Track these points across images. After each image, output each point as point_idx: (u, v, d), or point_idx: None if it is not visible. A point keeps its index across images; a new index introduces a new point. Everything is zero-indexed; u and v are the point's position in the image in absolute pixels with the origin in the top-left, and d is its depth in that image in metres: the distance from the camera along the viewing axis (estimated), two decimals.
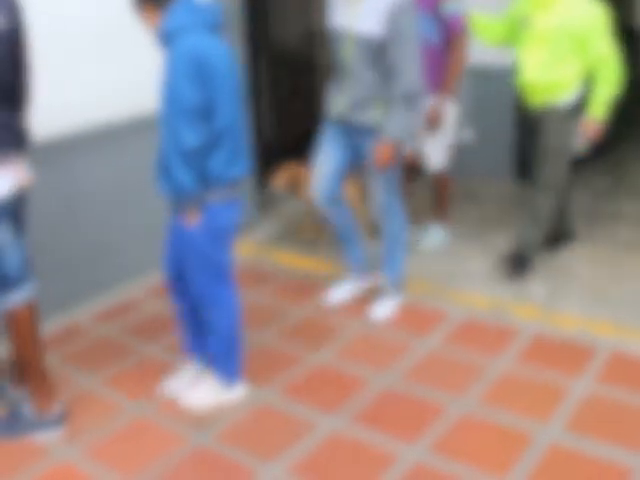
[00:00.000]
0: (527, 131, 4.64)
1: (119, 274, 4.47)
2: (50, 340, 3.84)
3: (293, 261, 4.82)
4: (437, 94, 4.56)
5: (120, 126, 4.30)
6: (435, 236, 5.03)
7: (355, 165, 3.98)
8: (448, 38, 4.49)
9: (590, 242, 4.89)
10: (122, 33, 4.10)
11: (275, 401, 3.35)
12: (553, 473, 2.79)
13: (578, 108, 4.22)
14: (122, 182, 4.38)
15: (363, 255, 4.29)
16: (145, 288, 4.48)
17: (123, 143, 4.34)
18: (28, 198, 3.08)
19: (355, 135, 3.80)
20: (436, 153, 4.82)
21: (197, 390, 3.36)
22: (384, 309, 4.05)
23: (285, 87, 6.82)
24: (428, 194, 5.31)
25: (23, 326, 3.07)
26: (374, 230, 4.71)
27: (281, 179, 4.98)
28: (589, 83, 4.17)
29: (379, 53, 3.58)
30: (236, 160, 3.04)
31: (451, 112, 4.71)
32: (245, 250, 4.97)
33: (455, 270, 4.57)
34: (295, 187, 4.95)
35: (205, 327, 3.28)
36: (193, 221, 2.99)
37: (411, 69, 3.56)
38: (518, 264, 4.39)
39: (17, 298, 3.03)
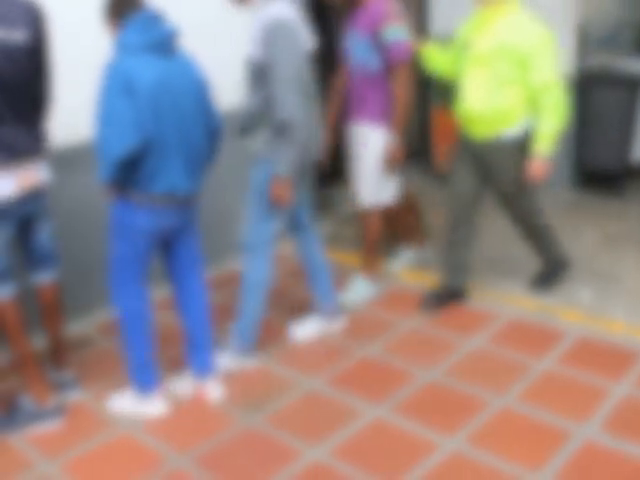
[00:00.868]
0: (458, 163, 4.19)
1: None
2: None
3: (345, 259, 4.98)
4: (387, 128, 4.13)
5: None
6: (358, 289, 4.46)
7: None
8: (390, 67, 4.04)
9: (637, 249, 4.92)
10: None
11: (323, 389, 3.53)
12: (585, 470, 2.89)
13: (525, 142, 3.89)
14: None
15: (332, 293, 4.07)
16: None
17: None
18: (41, 199, 3.31)
19: None
20: (363, 189, 4.30)
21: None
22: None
23: None
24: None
25: (11, 318, 3.28)
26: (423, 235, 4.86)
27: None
28: (534, 113, 3.85)
29: (260, 77, 3.40)
30: (157, 177, 3.10)
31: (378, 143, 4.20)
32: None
33: (505, 273, 4.66)
34: None
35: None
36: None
37: (283, 98, 3.32)
38: (558, 274, 4.43)
39: (4, 291, 3.25)
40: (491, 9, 3.80)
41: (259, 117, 3.47)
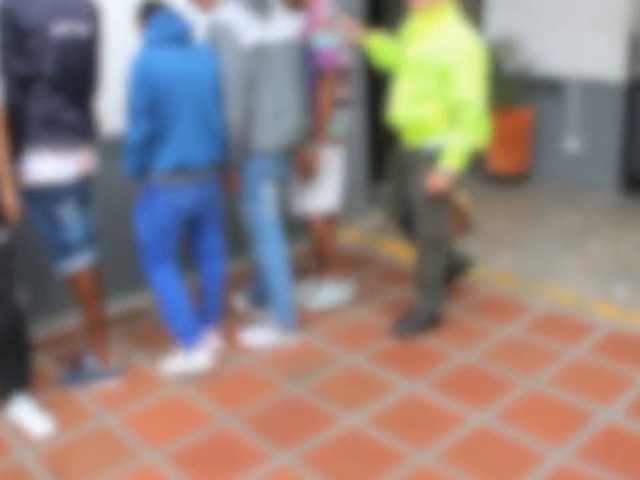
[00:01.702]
0: (393, 171, 4.10)
1: None
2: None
3: (395, 250, 5.21)
4: (311, 139, 4.04)
5: None
6: (327, 294, 4.45)
7: None
8: (318, 75, 3.94)
9: None
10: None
11: (363, 364, 3.77)
12: (605, 448, 3.07)
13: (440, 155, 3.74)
14: None
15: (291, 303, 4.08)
16: None
17: None
18: (91, 182, 3.58)
19: None
20: (314, 201, 4.24)
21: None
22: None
23: None
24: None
25: (84, 287, 3.59)
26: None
27: None
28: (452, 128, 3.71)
29: None
30: (171, 154, 3.45)
31: (333, 157, 4.19)
32: (351, 237, 5.41)
33: (544, 268, 4.83)
34: None
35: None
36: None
37: (228, 101, 3.61)
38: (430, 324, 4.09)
39: (78, 263, 3.55)
40: (424, 19, 3.69)
41: None
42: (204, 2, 3.98)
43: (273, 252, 3.95)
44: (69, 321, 4.16)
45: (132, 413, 3.45)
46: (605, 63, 6.06)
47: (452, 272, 4.40)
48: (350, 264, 4.93)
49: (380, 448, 3.13)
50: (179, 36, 3.46)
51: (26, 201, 3.35)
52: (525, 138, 6.53)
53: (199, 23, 3.76)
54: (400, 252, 5.07)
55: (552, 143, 6.57)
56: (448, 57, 3.57)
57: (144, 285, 3.95)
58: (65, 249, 3.51)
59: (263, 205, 3.90)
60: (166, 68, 3.38)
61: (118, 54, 3.70)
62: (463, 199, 5.32)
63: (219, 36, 3.60)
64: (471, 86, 3.58)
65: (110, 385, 3.65)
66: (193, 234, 3.82)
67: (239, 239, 4.35)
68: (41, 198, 3.39)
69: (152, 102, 3.37)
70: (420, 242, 3.98)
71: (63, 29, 3.26)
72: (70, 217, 3.48)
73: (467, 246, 5.18)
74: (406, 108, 3.77)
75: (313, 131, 4.01)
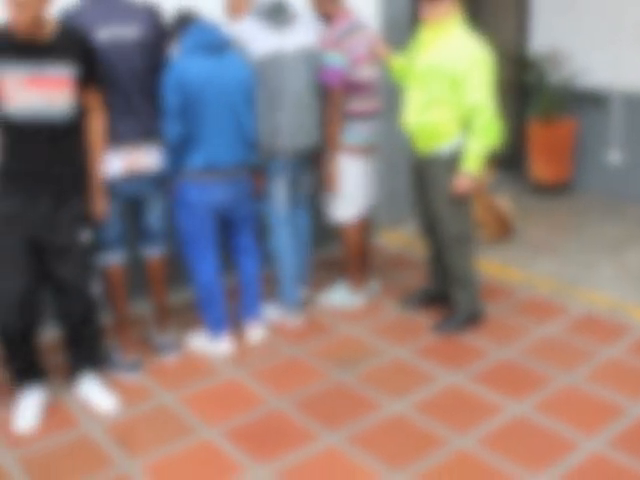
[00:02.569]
0: (412, 178, 4.32)
1: None
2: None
3: None
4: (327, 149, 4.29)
5: None
6: (337, 294, 4.70)
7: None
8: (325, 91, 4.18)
9: None
10: None
11: (407, 356, 3.98)
12: (636, 440, 3.24)
13: (456, 160, 3.93)
14: None
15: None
16: None
17: None
18: (149, 181, 3.76)
19: None
20: (339, 209, 4.46)
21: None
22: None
23: None
24: None
25: (113, 282, 3.85)
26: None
27: None
28: (466, 133, 3.90)
29: None
30: (202, 154, 3.76)
31: (352, 166, 4.35)
32: (394, 240, 5.63)
33: (583, 274, 4.99)
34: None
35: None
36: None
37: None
38: (470, 322, 4.30)
39: (111, 259, 3.82)
40: (432, 28, 3.88)
41: None
42: (234, 13, 4.24)
43: (283, 244, 4.29)
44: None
45: (189, 394, 3.69)
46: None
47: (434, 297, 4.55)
48: (392, 265, 5.15)
49: (423, 432, 3.33)
50: (213, 45, 3.73)
51: None
52: (568, 149, 6.68)
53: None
54: None
55: (595, 155, 6.71)
56: (458, 65, 3.77)
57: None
58: (101, 245, 3.75)
59: (276, 203, 4.22)
60: (198, 75, 3.66)
61: None
62: (504, 205, 5.57)
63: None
64: (482, 91, 3.79)
65: (130, 378, 3.88)
66: (228, 232, 4.12)
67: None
68: None
69: (184, 106, 3.67)
70: (445, 242, 4.16)
71: (108, 33, 3.49)
72: (110, 215, 3.68)
73: (507, 251, 5.37)
74: (417, 115, 3.97)
75: (326, 141, 4.26)
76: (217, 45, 3.75)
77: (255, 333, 4.21)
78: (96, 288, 3.63)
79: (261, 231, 4.30)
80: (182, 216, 3.92)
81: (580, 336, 4.16)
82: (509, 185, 6.85)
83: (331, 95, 4.15)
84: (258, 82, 3.90)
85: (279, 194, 4.21)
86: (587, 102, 6.58)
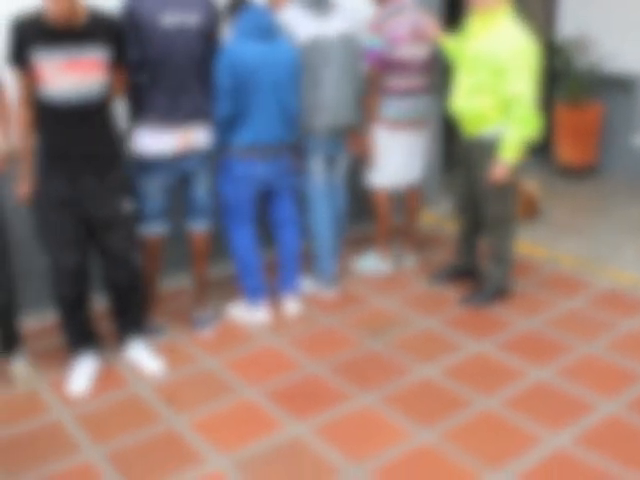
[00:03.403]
0: (459, 159, 4.51)
1: None
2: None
3: None
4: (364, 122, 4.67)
5: None
6: (366, 262, 5.07)
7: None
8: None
9: None
10: None
11: (435, 326, 4.21)
12: None
13: (498, 144, 4.08)
14: None
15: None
16: None
17: None
18: (199, 158, 3.98)
19: None
20: (375, 178, 4.85)
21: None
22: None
23: None
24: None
25: (151, 251, 4.08)
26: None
27: None
28: (506, 121, 4.04)
29: None
30: (249, 132, 4.02)
31: (390, 139, 4.68)
32: (425, 220, 5.84)
33: (607, 253, 5.17)
34: None
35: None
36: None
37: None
38: (498, 295, 4.49)
39: (150, 229, 4.04)
40: (482, 18, 4.05)
41: None
42: (276, 4, 4.48)
43: (320, 219, 4.53)
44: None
45: (230, 358, 3.94)
46: None
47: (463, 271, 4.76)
48: (424, 242, 5.37)
49: (450, 394, 3.55)
50: (264, 29, 3.97)
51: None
52: (595, 133, 6.83)
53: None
54: None
55: (621, 139, 6.85)
56: (502, 55, 3.92)
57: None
58: (142, 216, 3.99)
59: (314, 177, 4.46)
60: (249, 58, 3.90)
61: None
62: (531, 187, 5.75)
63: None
64: (523, 82, 3.92)
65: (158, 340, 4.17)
66: (268, 206, 4.37)
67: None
68: (137, 167, 3.89)
69: (235, 87, 3.91)
70: (488, 221, 4.36)
71: (172, 19, 3.72)
72: (152, 189, 3.94)
73: (534, 231, 5.55)
74: (464, 100, 4.17)
75: (365, 115, 4.62)
76: (268, 30, 3.99)
77: (292, 306, 4.45)
78: (137, 257, 3.86)
79: (299, 206, 4.54)
80: (226, 189, 4.17)
81: (602, 310, 4.34)
82: (536, 168, 7.01)
83: (369, 74, 4.50)
84: (301, 65, 4.14)
85: (317, 170, 4.45)
86: (614, 87, 6.71)
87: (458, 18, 6.05)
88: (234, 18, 3.99)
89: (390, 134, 4.67)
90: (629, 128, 6.76)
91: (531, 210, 5.77)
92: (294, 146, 4.29)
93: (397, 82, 4.54)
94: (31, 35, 3.28)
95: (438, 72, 4.92)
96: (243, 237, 4.25)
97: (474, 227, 4.55)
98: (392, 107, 4.59)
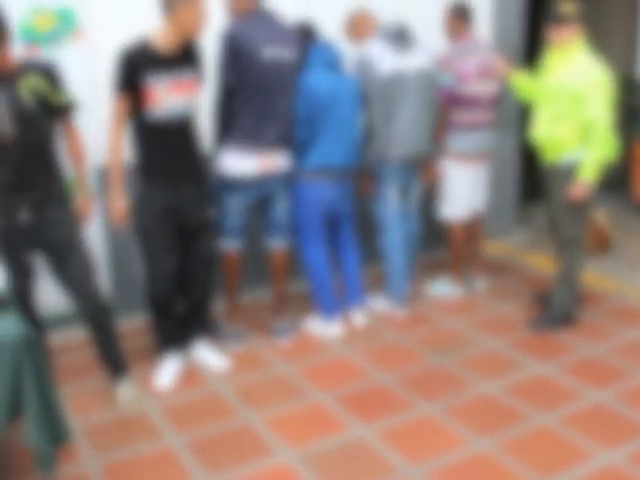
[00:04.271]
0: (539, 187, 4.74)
1: None
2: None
3: (539, 261, 5.76)
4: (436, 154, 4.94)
5: None
6: (439, 287, 5.27)
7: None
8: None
9: None
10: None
11: (501, 348, 4.39)
12: None
13: (576, 168, 4.29)
14: None
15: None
16: None
17: None
18: (279, 180, 4.28)
19: None
20: (446, 209, 5.09)
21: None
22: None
23: None
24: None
25: (229, 265, 4.40)
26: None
27: None
28: (584, 145, 4.25)
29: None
30: (318, 156, 4.31)
31: (458, 172, 4.94)
32: (499, 250, 6.02)
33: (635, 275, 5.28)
34: None
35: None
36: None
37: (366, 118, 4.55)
38: (563, 322, 4.65)
39: (228, 244, 4.34)
40: (558, 52, 4.32)
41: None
42: (357, 36, 4.79)
43: (394, 243, 4.77)
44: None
45: (304, 366, 4.22)
46: None
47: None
48: (496, 269, 5.56)
49: (509, 409, 3.73)
50: (333, 62, 4.33)
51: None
52: None
53: (349, 53, 4.65)
54: (542, 263, 5.62)
55: None
56: (580, 84, 4.19)
57: None
58: (222, 231, 4.31)
59: (389, 205, 4.71)
60: (326, 89, 4.25)
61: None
62: (601, 219, 5.87)
63: (362, 66, 4.48)
64: (600, 108, 4.17)
65: (237, 346, 4.48)
66: (333, 231, 4.67)
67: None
68: (221, 185, 4.22)
69: (309, 115, 4.26)
70: (559, 243, 4.57)
71: (270, 52, 4.04)
72: (235, 207, 4.26)
73: (605, 264, 5.67)
74: (546, 128, 4.39)
75: (436, 148, 4.88)
76: (335, 62, 4.35)
77: (359, 319, 4.72)
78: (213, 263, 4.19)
79: (369, 230, 4.79)
80: (299, 210, 4.47)
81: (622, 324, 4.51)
82: (613, 203, 7.10)
83: (441, 108, 4.75)
84: (379, 97, 4.42)
85: (392, 198, 4.71)
86: None
87: (536, 54, 6.28)
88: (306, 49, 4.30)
89: (458, 167, 4.93)
90: None
91: (603, 244, 5.89)
92: (359, 171, 4.59)
93: (464, 117, 4.82)
94: (142, 63, 3.64)
95: (511, 107, 5.14)
96: (316, 256, 4.54)
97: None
98: (459, 140, 4.87)
